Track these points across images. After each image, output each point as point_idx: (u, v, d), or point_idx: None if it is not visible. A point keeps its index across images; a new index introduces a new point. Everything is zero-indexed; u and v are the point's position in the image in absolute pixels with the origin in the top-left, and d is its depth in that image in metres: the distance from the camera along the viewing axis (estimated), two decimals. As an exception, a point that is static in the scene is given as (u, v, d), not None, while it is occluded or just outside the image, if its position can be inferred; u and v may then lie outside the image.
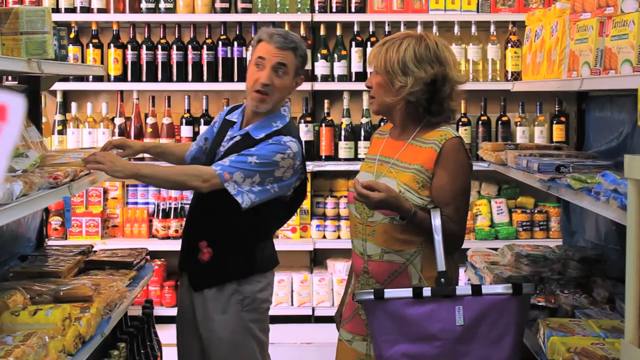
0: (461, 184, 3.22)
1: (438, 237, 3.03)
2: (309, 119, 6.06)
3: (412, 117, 3.29)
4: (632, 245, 2.37)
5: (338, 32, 6.11)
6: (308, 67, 6.03)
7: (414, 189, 3.16)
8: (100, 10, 6.11)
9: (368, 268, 3.26)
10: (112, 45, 6.12)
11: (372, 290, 3.05)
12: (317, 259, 6.36)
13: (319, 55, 6.07)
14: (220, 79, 6.12)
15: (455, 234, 3.20)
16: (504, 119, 6.12)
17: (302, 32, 6.05)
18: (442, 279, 2.99)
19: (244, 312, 3.76)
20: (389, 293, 2.99)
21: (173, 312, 6.10)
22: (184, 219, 6.11)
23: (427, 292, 2.96)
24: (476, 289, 2.96)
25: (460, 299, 2.95)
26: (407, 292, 2.98)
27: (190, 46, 6.12)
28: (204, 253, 3.78)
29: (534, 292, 3.14)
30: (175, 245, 6.16)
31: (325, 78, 6.04)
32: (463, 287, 2.99)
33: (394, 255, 3.21)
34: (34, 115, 4.37)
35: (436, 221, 3.05)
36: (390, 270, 3.22)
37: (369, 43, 6.02)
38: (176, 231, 6.10)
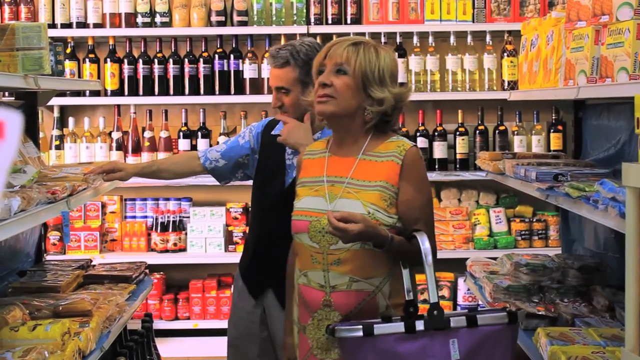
0: (427, 195, 2.99)
1: (429, 262, 2.75)
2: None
3: (366, 127, 2.98)
4: (631, 252, 2.37)
5: (334, 44, 6.11)
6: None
7: (383, 207, 2.88)
8: (96, 25, 6.12)
9: (331, 301, 2.91)
10: (108, 59, 6.13)
11: (357, 325, 2.72)
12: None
13: (315, 67, 6.07)
14: (217, 92, 6.12)
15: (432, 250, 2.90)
16: (501, 128, 6.13)
17: (299, 44, 6.06)
18: (435, 311, 2.70)
19: None
20: (380, 328, 2.69)
21: (172, 325, 6.12)
22: (182, 232, 6.11)
23: (419, 325, 2.69)
24: (471, 320, 2.71)
25: (454, 331, 2.69)
26: (399, 327, 2.69)
27: (186, 60, 6.13)
28: None
29: (524, 319, 3.04)
30: (174, 259, 6.19)
31: (322, 90, 6.04)
32: (456, 317, 2.73)
33: (363, 284, 2.89)
34: (31, 130, 4.37)
35: (425, 244, 2.76)
36: (357, 300, 2.89)
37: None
38: (175, 244, 6.10)
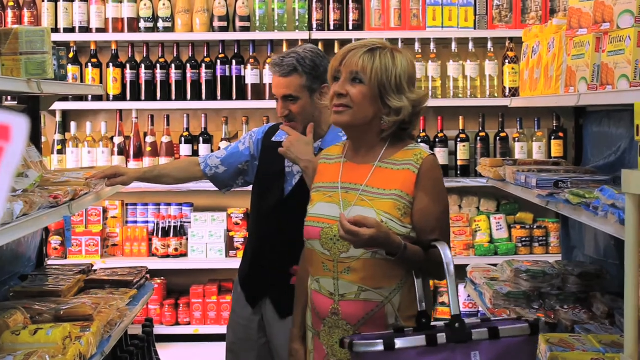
0: (443, 205, 2.92)
1: (451, 272, 2.66)
2: (307, 136, 6.07)
3: (382, 136, 2.92)
4: (630, 259, 2.38)
5: (336, 50, 6.13)
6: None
7: (397, 217, 2.81)
8: (99, 30, 6.14)
9: (339, 309, 2.86)
10: (110, 64, 6.15)
11: (378, 339, 2.60)
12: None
13: (317, 73, 6.09)
14: (219, 97, 6.14)
15: None
16: (502, 135, 6.14)
17: (300, 50, 6.08)
18: (457, 324, 2.61)
19: None
20: (401, 342, 2.57)
21: (173, 330, 6.13)
22: (183, 237, 6.12)
23: (442, 338, 2.59)
24: (493, 333, 2.63)
25: (476, 344, 2.61)
26: (420, 340, 2.58)
27: (188, 65, 6.14)
28: (293, 277, 3.40)
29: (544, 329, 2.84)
30: (175, 264, 6.20)
31: (323, 95, 6.06)
32: (478, 330, 2.64)
33: (372, 294, 2.83)
34: (33, 135, 4.39)
35: (447, 255, 2.68)
36: (365, 310, 2.83)
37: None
38: (176, 249, 6.11)
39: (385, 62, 2.85)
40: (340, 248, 2.84)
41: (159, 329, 5.87)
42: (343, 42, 6.16)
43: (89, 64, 6.15)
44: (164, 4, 6.13)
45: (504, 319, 3.06)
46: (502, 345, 2.63)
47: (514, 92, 5.96)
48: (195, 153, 6.09)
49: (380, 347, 2.56)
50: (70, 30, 6.13)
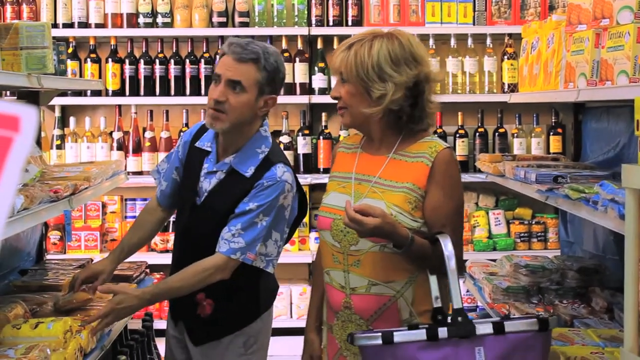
0: (457, 201, 2.84)
1: (452, 267, 2.58)
2: (306, 131, 6.08)
3: (393, 127, 2.85)
4: (630, 254, 2.39)
5: (335, 46, 6.13)
6: (305, 80, 6.06)
7: (407, 210, 2.74)
8: (98, 26, 6.14)
9: (351, 303, 2.82)
10: (110, 60, 6.15)
11: (377, 332, 2.55)
12: (315, 272, 6.36)
13: (316, 68, 6.10)
14: (218, 93, 6.13)
15: (457, 258, 2.69)
16: (501, 130, 6.15)
17: (300, 45, 6.08)
18: (459, 317, 2.53)
19: (247, 355, 3.36)
20: (400, 336, 2.51)
21: (172, 325, 6.13)
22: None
23: (442, 332, 2.51)
24: (498, 327, 2.53)
25: (480, 339, 2.51)
26: (420, 334, 2.51)
27: (188, 60, 6.14)
28: (204, 306, 3.26)
29: (556, 326, 2.79)
30: (174, 259, 6.19)
31: (322, 91, 6.06)
32: (482, 324, 2.54)
33: (383, 288, 2.78)
34: (33, 129, 4.38)
35: (448, 247, 2.60)
36: (377, 304, 2.78)
37: (366, 56, 6.04)
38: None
39: (361, 54, 2.77)
40: (350, 240, 2.80)
41: (158, 324, 5.87)
42: (342, 38, 6.16)
43: (88, 59, 6.14)
44: (162, 0, 6.13)
45: (515, 317, 2.92)
46: (509, 341, 2.53)
47: (513, 88, 5.97)
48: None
49: (379, 341, 2.51)
50: (69, 25, 6.12)
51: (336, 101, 2.90)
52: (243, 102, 3.17)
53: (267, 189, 3.17)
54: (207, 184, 3.28)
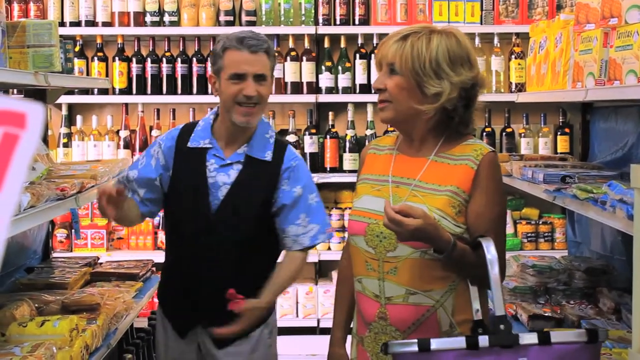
0: (500, 208, 2.70)
1: (494, 272, 2.41)
2: (313, 130, 6.07)
3: (438, 127, 2.70)
4: (638, 254, 2.37)
5: (342, 45, 6.13)
6: (312, 79, 6.06)
7: (451, 215, 2.60)
8: (105, 24, 6.14)
9: (386, 314, 2.65)
10: (117, 58, 6.15)
11: (413, 340, 2.38)
12: (322, 271, 6.35)
13: (323, 67, 6.09)
14: (224, 92, 6.12)
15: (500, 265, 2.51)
16: (508, 130, 6.14)
17: (307, 44, 6.08)
18: (502, 325, 2.36)
19: (271, 341, 3.40)
20: (437, 343, 2.34)
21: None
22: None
23: (483, 341, 2.33)
24: (544, 338, 2.35)
25: (524, 349, 2.33)
26: (459, 342, 2.34)
27: (194, 59, 6.14)
28: (237, 302, 3.11)
29: (606, 338, 2.63)
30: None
31: (329, 90, 6.05)
32: (527, 334, 2.38)
33: (422, 297, 2.61)
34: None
35: (491, 251, 2.42)
36: (416, 315, 2.62)
37: (372, 55, 6.03)
38: (181, 243, 6.11)
39: (418, 47, 2.64)
40: (387, 246, 2.64)
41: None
42: (349, 37, 6.16)
43: (95, 58, 6.14)
44: (170, -2, 6.13)
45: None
46: (555, 353, 2.35)
47: (520, 88, 5.95)
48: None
49: (415, 348, 2.34)
50: (77, 24, 6.13)
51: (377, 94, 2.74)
52: (269, 92, 3.31)
53: (298, 170, 3.33)
54: (224, 177, 3.27)
